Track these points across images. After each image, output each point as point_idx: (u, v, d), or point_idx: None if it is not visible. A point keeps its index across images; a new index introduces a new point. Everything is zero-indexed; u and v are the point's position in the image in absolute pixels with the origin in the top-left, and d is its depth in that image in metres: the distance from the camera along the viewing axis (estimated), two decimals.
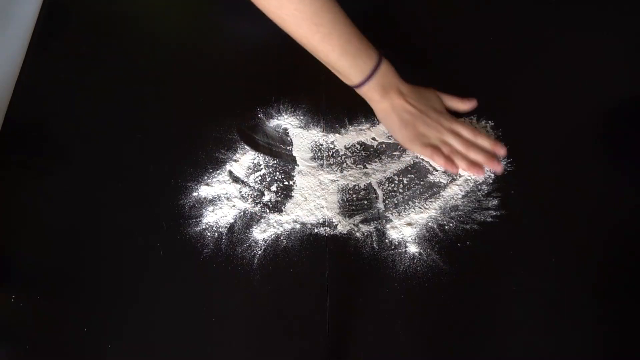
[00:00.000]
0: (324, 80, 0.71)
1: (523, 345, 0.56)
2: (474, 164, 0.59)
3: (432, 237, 0.61)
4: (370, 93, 0.60)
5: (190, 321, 0.57)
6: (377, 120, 0.67)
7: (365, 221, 0.62)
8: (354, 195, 0.63)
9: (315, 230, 0.62)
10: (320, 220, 0.62)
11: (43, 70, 0.74)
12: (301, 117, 0.69)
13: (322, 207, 0.63)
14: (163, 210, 0.63)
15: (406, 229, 0.61)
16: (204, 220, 0.62)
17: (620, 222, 0.62)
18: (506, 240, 0.61)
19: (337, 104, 0.69)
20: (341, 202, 0.63)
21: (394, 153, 0.66)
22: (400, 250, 0.60)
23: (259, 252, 0.60)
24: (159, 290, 0.59)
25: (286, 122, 0.69)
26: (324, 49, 0.56)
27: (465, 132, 0.60)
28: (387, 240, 0.61)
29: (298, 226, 0.62)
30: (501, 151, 0.61)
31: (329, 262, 0.60)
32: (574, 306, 0.58)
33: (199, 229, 0.62)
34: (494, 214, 0.62)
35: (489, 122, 0.68)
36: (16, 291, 0.59)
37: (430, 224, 0.61)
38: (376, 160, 0.66)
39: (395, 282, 0.58)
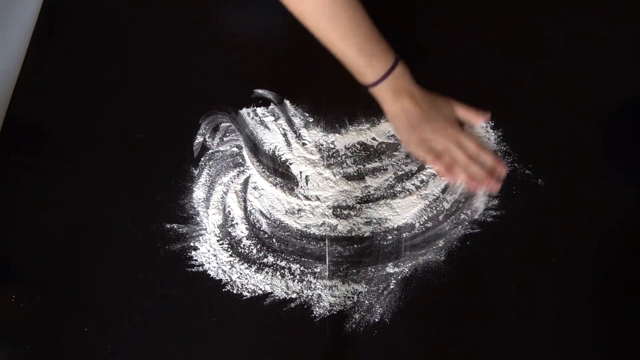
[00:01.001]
0: (324, 80, 0.71)
1: (523, 344, 0.56)
2: (473, 178, 0.59)
3: (433, 239, 0.61)
4: (383, 94, 0.60)
5: (191, 321, 0.57)
6: (377, 120, 0.67)
7: (367, 224, 0.62)
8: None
9: (316, 232, 0.62)
10: (320, 222, 0.62)
11: (43, 70, 0.74)
12: (301, 117, 0.69)
13: (324, 211, 0.63)
14: (163, 210, 0.63)
15: (407, 231, 0.61)
16: (204, 220, 0.62)
17: (620, 222, 0.62)
18: (506, 240, 0.61)
19: (337, 104, 0.69)
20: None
21: (394, 153, 0.66)
22: (399, 251, 0.60)
23: (259, 252, 0.61)
24: (159, 290, 0.59)
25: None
26: (340, 46, 0.57)
27: (470, 145, 0.60)
28: (386, 240, 0.61)
29: (299, 226, 0.62)
30: (502, 171, 0.61)
31: (328, 262, 0.60)
32: (574, 306, 0.58)
33: (199, 228, 0.62)
34: (494, 214, 0.62)
35: (489, 122, 0.68)
36: (16, 291, 0.59)
37: (430, 224, 0.62)
38: (376, 160, 0.66)
39: (395, 282, 0.58)
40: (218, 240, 0.61)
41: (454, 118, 0.62)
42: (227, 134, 0.68)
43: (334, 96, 0.70)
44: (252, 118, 0.69)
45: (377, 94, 0.61)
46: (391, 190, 0.64)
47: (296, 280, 0.59)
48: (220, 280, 0.59)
